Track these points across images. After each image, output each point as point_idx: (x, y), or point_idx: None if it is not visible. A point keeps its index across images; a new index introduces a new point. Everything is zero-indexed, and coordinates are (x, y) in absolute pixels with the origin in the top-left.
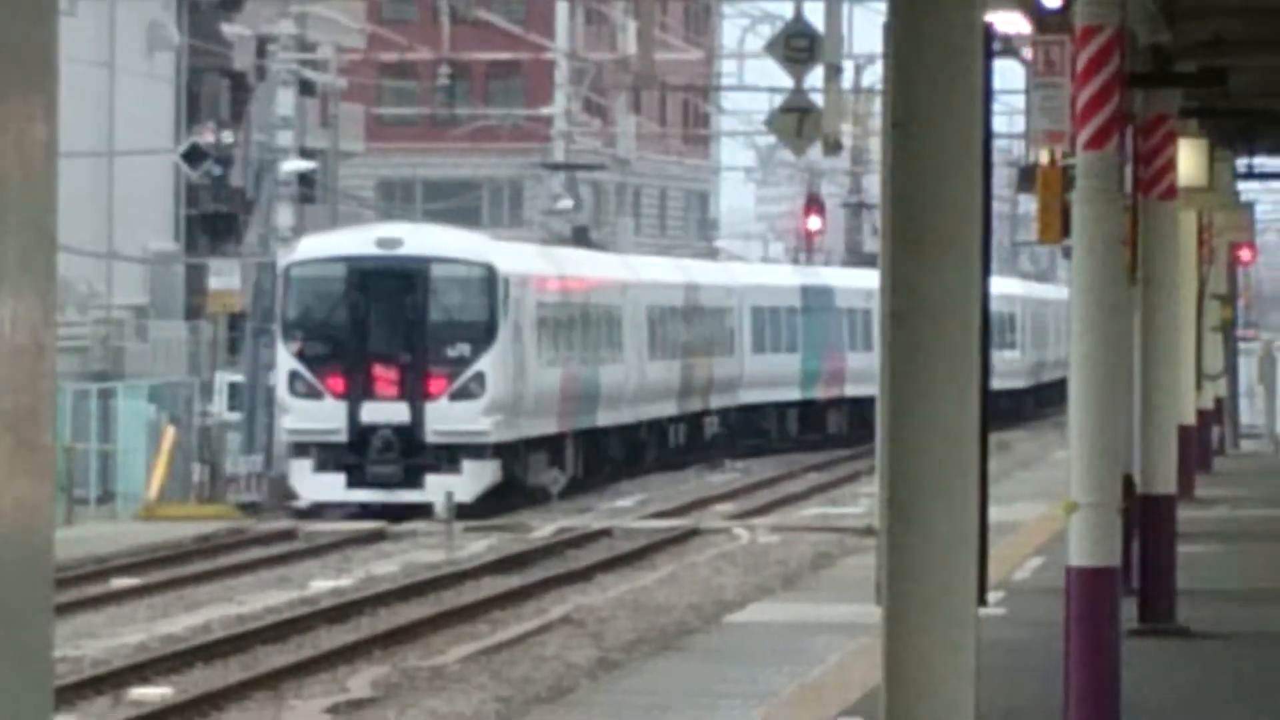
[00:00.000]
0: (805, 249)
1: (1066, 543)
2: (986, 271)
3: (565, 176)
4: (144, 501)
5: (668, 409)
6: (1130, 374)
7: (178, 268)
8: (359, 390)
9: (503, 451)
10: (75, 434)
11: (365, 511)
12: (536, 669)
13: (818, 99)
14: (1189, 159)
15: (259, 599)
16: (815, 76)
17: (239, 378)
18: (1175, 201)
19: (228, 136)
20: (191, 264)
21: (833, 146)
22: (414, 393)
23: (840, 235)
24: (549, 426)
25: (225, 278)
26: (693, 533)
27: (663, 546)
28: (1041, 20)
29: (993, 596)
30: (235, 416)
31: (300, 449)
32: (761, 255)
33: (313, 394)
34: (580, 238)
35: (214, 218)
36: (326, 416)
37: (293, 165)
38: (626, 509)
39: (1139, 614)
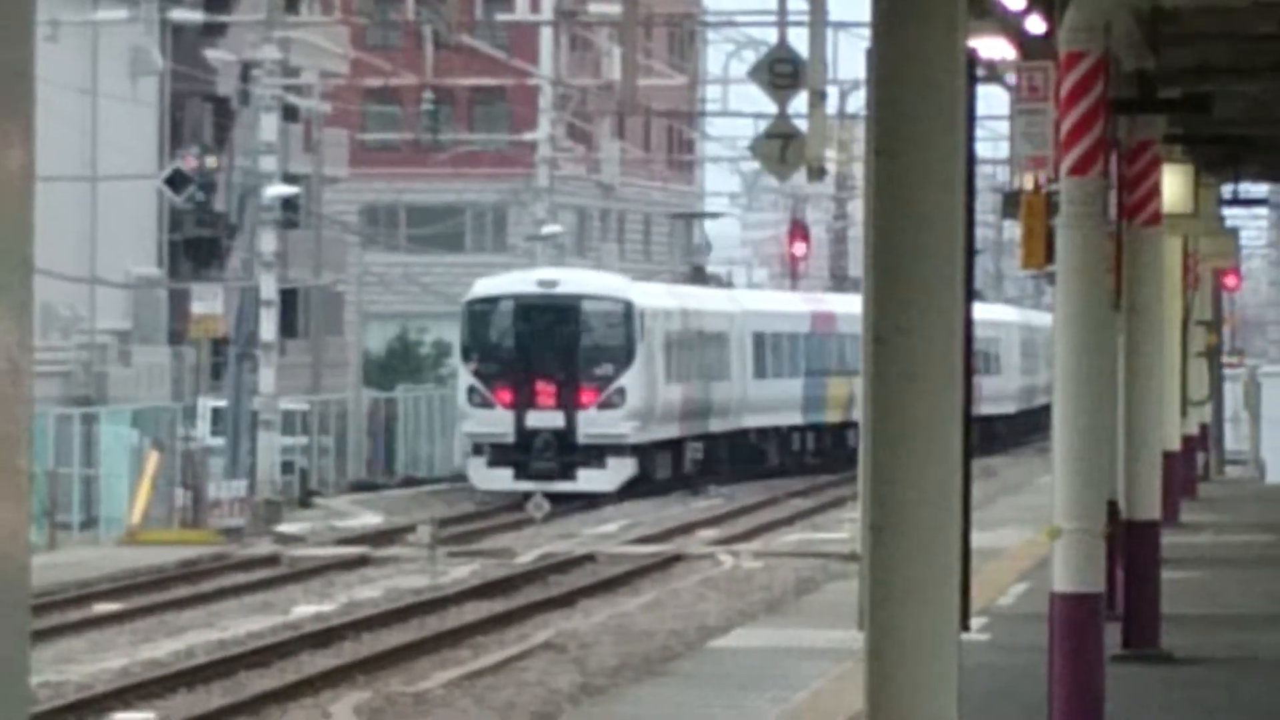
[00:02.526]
0: (790, 274)
1: (1050, 568)
2: (970, 297)
3: (549, 201)
4: (127, 526)
5: (776, 419)
6: (1115, 400)
7: (161, 292)
8: (524, 401)
9: (638, 451)
10: (58, 459)
11: (529, 497)
12: (519, 694)
13: (802, 125)
14: (1173, 185)
15: (242, 624)
16: (799, 102)
17: (222, 402)
18: (1160, 227)
19: (211, 161)
20: (175, 289)
21: (817, 172)
22: (568, 403)
23: (825, 261)
24: (672, 431)
25: (208, 302)
26: (676, 558)
27: (646, 572)
28: (1025, 46)
29: (976, 622)
30: (218, 441)
31: (477, 449)
32: (746, 281)
33: (486, 404)
34: (698, 276)
35: (197, 242)
36: (497, 422)
37: (276, 190)
38: (610, 534)
39: (1123, 640)
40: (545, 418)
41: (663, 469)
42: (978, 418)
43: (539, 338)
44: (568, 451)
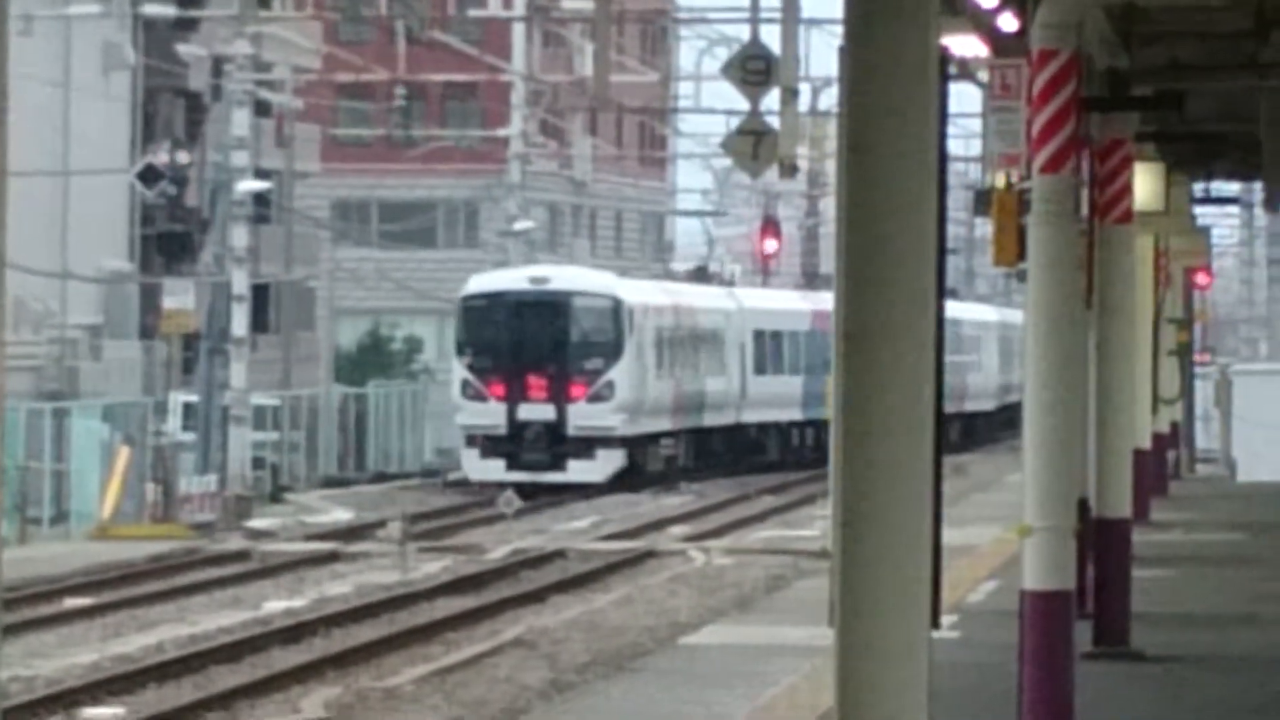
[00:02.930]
0: (762, 272)
1: (1021, 566)
2: (942, 294)
3: (520, 197)
4: (97, 521)
5: (777, 414)
6: (1086, 397)
7: (132, 287)
8: (516, 394)
9: (628, 443)
10: (29, 453)
11: (521, 489)
12: (490, 690)
13: (774, 122)
14: (1145, 183)
15: (212, 619)
16: (771, 99)
17: (193, 398)
18: (1131, 225)
19: (183, 156)
20: (146, 284)
21: (789, 169)
22: (559, 396)
23: (796, 258)
24: (664, 424)
25: (180, 297)
26: (647, 555)
27: (617, 568)
28: (998, 44)
29: (947, 620)
30: (189, 437)
31: (470, 440)
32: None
33: (479, 397)
34: (700, 275)
35: (169, 237)
36: (490, 414)
37: (248, 185)
38: (581, 530)
39: (1093, 637)
40: (536, 410)
41: (655, 462)
42: (962, 414)
43: (530, 333)
44: (558, 443)
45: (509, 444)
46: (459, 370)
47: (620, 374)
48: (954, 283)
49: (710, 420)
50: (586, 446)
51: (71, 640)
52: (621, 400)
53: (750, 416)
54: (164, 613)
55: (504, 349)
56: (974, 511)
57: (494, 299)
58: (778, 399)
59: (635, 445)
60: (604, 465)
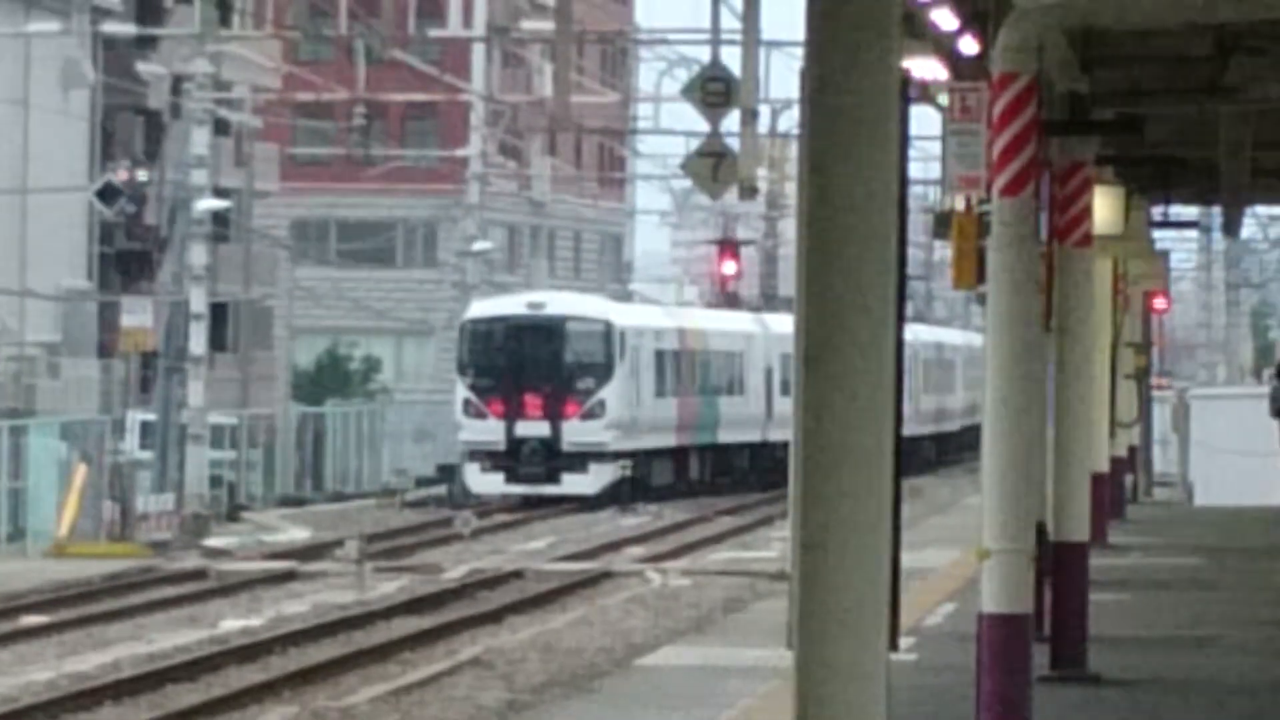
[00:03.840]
0: (720, 293)
1: (979, 589)
2: (901, 317)
3: (479, 217)
4: (54, 539)
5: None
6: (1044, 421)
7: (90, 305)
8: (514, 412)
9: (623, 458)
10: None
11: (523, 501)
12: (446, 710)
13: (734, 143)
14: (1105, 206)
15: (169, 638)
16: (731, 121)
17: (151, 416)
18: (1090, 249)
19: (142, 175)
20: (104, 302)
21: (748, 191)
22: (554, 414)
23: (755, 279)
24: (668, 440)
25: (138, 316)
26: (604, 575)
27: (574, 589)
28: (958, 67)
29: (904, 642)
30: (147, 455)
31: (473, 455)
32: (676, 299)
33: (480, 415)
34: (731, 301)
35: (127, 255)
36: (490, 431)
37: (207, 204)
38: (538, 551)
39: (1050, 661)
40: (533, 427)
41: (662, 476)
42: (938, 435)
43: (527, 354)
44: (553, 458)
45: (507, 459)
46: (461, 390)
47: (611, 393)
48: (913, 307)
49: (729, 437)
50: (580, 461)
51: (28, 658)
52: (613, 418)
53: (777, 435)
54: (121, 631)
55: (503, 370)
56: (932, 534)
57: (494, 323)
58: None
59: (632, 460)
60: (596, 479)
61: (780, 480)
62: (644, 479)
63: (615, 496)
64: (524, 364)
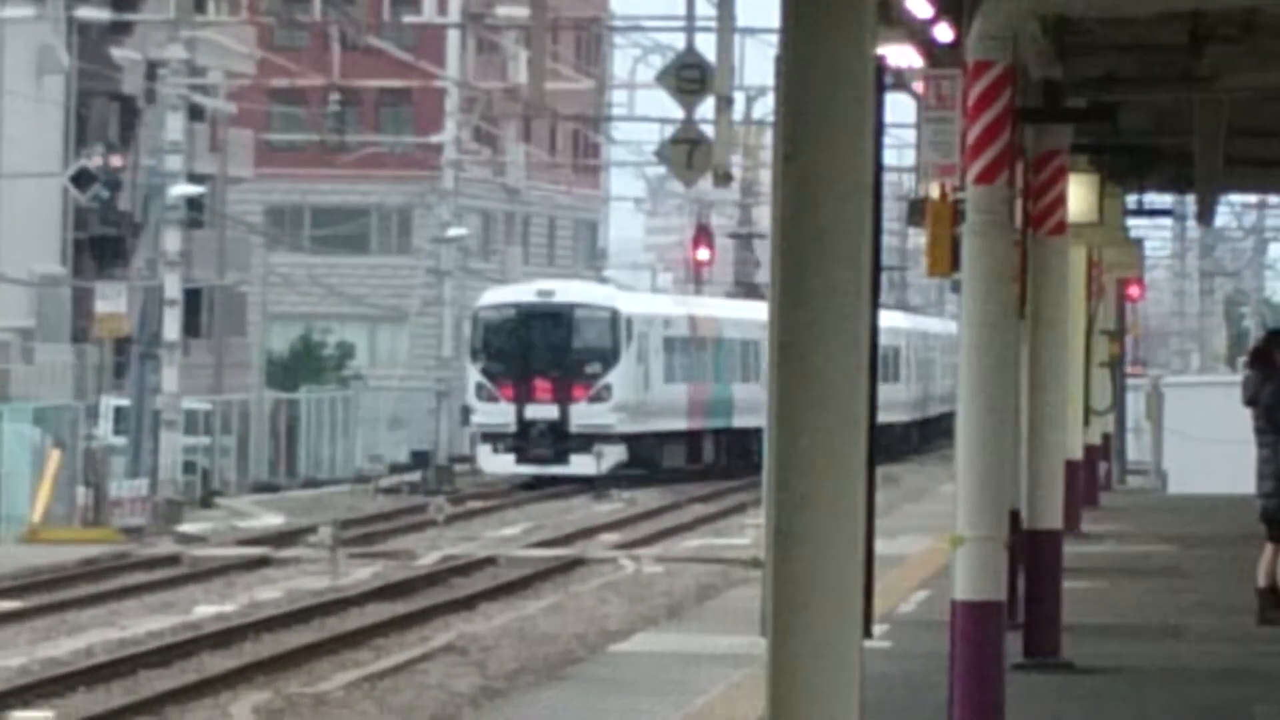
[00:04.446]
0: (694, 280)
1: (952, 576)
2: (876, 304)
3: (454, 204)
4: (27, 525)
5: None
6: (1018, 408)
7: (64, 291)
8: (524, 395)
9: (630, 440)
10: None
11: (533, 481)
12: (420, 696)
13: (708, 130)
14: (1079, 195)
15: (142, 623)
16: (706, 108)
17: (125, 401)
18: (1065, 237)
19: (116, 160)
20: (78, 287)
21: (723, 178)
22: (562, 397)
23: (729, 267)
24: (676, 424)
25: (112, 301)
26: (578, 562)
27: (548, 575)
28: (933, 54)
29: (878, 629)
30: (120, 440)
31: (485, 437)
32: (650, 286)
33: (491, 398)
34: (753, 291)
35: (101, 241)
36: (501, 414)
37: (181, 190)
38: (512, 537)
39: (1024, 648)
40: (542, 410)
41: (673, 458)
42: (934, 417)
43: (537, 340)
44: (562, 440)
45: (518, 440)
46: (473, 374)
47: (618, 377)
48: (886, 294)
49: (744, 422)
50: (587, 442)
51: (0, 643)
52: (619, 401)
53: None
54: (94, 616)
55: (513, 355)
56: (906, 521)
57: (505, 310)
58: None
59: (638, 441)
60: (603, 459)
61: (874, 456)
62: (654, 460)
63: (621, 478)
64: (534, 349)
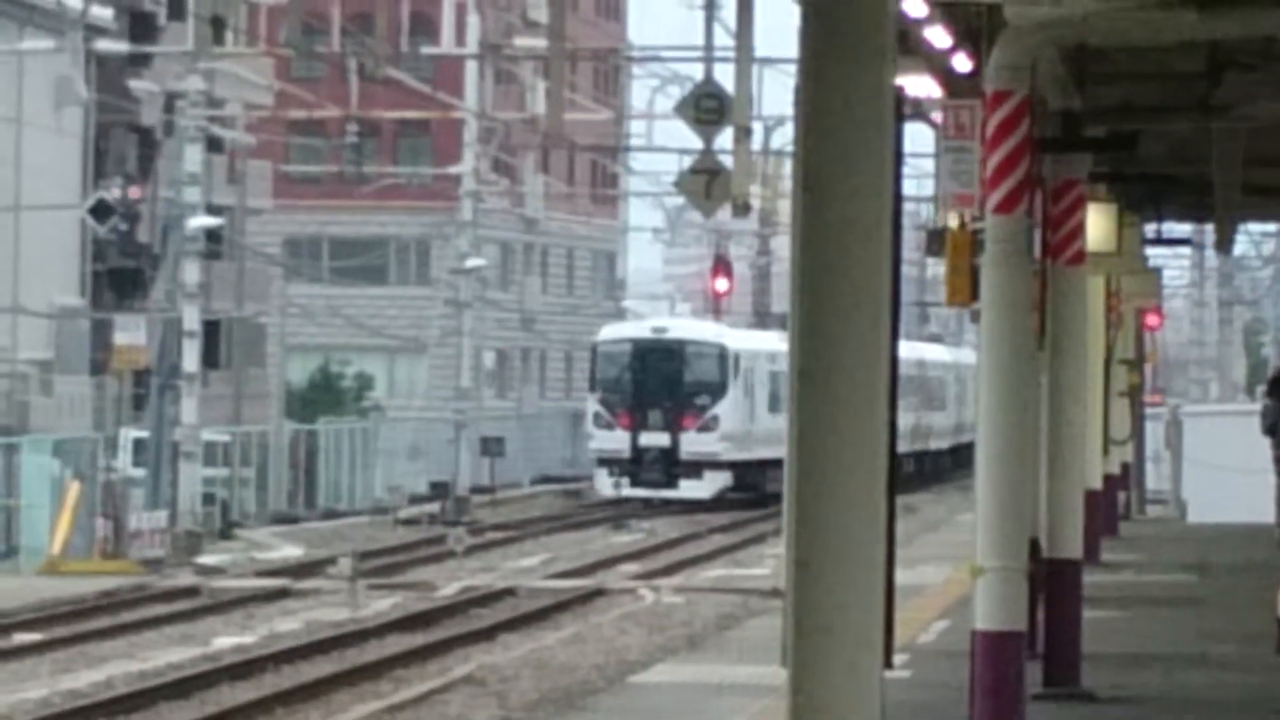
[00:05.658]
0: (713, 310)
1: (972, 606)
2: (895, 333)
3: (472, 234)
4: (47, 557)
5: (932, 444)
6: (1037, 438)
7: (83, 323)
8: (638, 424)
9: (735, 466)
10: None
11: (645, 504)
12: None
13: (727, 160)
14: (1098, 224)
15: (162, 655)
16: (725, 138)
17: (144, 433)
18: (1084, 266)
19: (135, 192)
20: (97, 319)
21: (742, 208)
22: (673, 426)
23: (748, 297)
24: (781, 451)
25: (131, 333)
26: (597, 593)
27: (567, 606)
28: (952, 84)
29: (898, 659)
30: (139, 472)
31: (602, 462)
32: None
33: (609, 426)
34: (782, 322)
35: (120, 273)
36: (617, 441)
37: (200, 221)
38: (531, 568)
39: (1044, 678)
40: (655, 438)
41: (775, 483)
42: (961, 446)
43: (651, 373)
44: (672, 465)
45: (632, 465)
46: (591, 404)
47: (725, 409)
48: (918, 327)
49: None
50: (695, 469)
51: (21, 675)
52: (726, 430)
53: (902, 446)
54: (114, 648)
55: (629, 387)
56: (925, 551)
57: (621, 344)
58: (931, 430)
59: (743, 467)
60: (710, 484)
61: (894, 486)
62: (758, 485)
63: (726, 500)
64: (648, 382)
